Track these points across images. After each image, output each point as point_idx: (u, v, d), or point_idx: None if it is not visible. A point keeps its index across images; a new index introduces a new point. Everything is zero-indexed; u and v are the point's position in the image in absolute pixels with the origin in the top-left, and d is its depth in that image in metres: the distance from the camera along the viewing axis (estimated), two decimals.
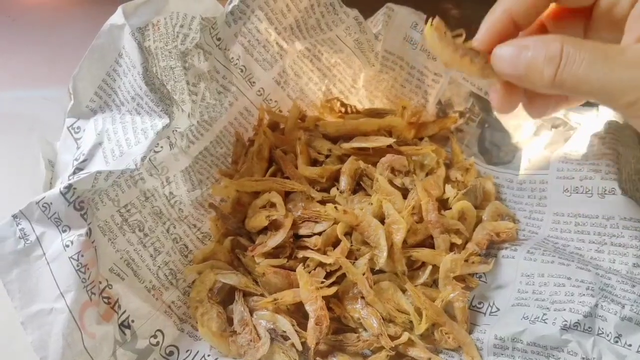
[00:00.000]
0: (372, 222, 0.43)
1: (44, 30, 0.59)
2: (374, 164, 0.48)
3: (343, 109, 0.52)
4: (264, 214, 0.43)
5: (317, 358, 0.39)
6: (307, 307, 0.40)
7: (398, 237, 0.43)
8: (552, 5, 0.36)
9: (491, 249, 0.47)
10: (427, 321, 0.41)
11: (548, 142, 0.51)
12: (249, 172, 0.48)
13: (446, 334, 0.41)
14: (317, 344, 0.39)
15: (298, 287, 0.41)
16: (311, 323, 0.39)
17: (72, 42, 0.53)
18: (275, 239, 0.42)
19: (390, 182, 0.47)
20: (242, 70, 0.48)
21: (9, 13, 0.60)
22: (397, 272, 0.43)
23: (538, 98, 0.37)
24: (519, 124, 0.53)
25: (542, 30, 0.38)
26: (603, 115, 0.49)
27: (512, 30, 0.34)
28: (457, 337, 0.41)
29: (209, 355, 0.39)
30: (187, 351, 0.39)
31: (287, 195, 0.46)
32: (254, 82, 0.49)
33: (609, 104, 0.31)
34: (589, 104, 0.50)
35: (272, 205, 0.44)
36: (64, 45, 0.57)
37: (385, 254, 0.42)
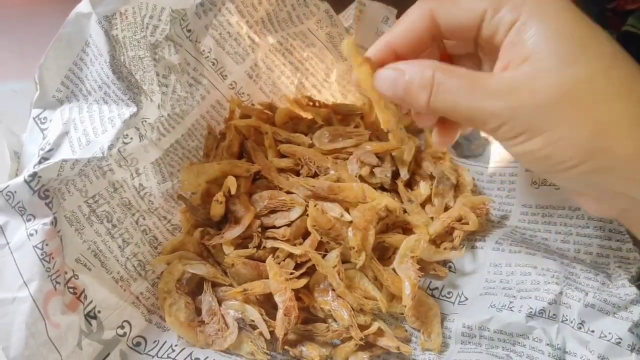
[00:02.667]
0: (343, 229, 0.43)
1: (12, 24, 0.59)
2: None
3: (311, 104, 0.52)
4: (216, 199, 0.43)
5: (286, 347, 0.39)
6: (276, 298, 0.40)
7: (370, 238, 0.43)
8: None
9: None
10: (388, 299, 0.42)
11: None
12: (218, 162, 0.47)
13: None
14: (285, 334, 0.39)
15: (267, 278, 0.41)
16: (280, 314, 0.39)
17: (41, 36, 0.52)
18: (232, 232, 0.42)
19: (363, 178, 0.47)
20: (213, 64, 0.48)
21: None
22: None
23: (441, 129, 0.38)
24: None
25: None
26: None
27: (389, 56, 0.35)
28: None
29: (176, 345, 0.39)
30: (154, 342, 0.39)
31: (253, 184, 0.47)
32: (225, 76, 0.49)
33: (479, 129, 0.33)
34: None
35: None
36: (32, 38, 0.56)
37: (363, 258, 0.42)
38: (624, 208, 0.32)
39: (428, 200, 0.50)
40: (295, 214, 0.43)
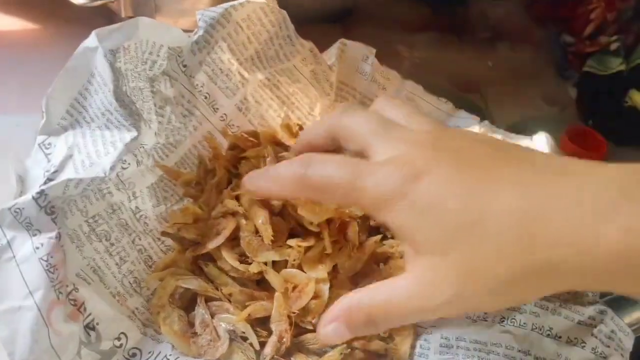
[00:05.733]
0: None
1: (15, 62, 0.62)
2: None
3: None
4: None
5: (275, 356, 0.41)
6: (273, 326, 0.42)
7: None
8: None
9: None
10: None
11: None
12: (206, 203, 0.50)
13: None
14: (272, 357, 0.41)
15: (263, 301, 0.44)
16: (273, 339, 0.42)
17: (42, 73, 0.56)
18: (213, 243, 0.45)
19: None
20: (206, 97, 0.52)
21: None
22: None
23: None
24: None
25: None
26: (536, 143, 0.54)
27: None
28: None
29: (170, 355, 0.40)
30: (149, 352, 0.41)
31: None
32: (217, 108, 0.53)
33: None
34: (522, 132, 0.56)
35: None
36: (34, 75, 0.59)
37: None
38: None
39: None
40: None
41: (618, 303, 0.45)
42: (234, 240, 0.46)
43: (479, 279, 0.29)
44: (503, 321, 0.42)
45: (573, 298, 0.43)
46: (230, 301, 0.44)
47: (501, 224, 0.28)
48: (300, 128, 0.56)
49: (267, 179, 0.37)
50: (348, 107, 0.38)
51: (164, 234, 0.47)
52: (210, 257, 0.46)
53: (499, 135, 0.57)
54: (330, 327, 0.34)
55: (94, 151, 0.41)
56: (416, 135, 0.33)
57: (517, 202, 0.28)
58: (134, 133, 0.41)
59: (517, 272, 0.28)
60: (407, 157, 0.31)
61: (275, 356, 0.41)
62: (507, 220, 0.28)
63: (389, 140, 0.33)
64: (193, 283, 0.43)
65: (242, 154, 0.53)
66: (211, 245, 0.46)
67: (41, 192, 0.37)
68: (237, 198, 0.48)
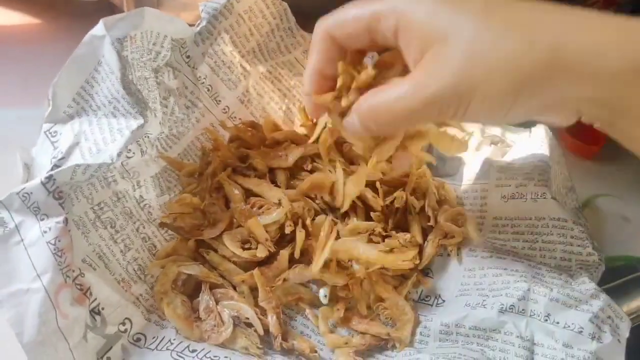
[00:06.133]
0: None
1: (18, 57, 0.63)
2: None
3: (315, 120, 0.56)
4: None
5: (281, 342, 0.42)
6: (264, 304, 0.44)
7: None
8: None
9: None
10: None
11: (488, 156, 0.56)
12: (202, 193, 0.50)
13: (384, 309, 0.46)
14: (280, 333, 0.42)
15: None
16: (273, 318, 0.43)
17: (43, 67, 0.57)
18: (210, 232, 0.46)
19: None
20: (208, 89, 0.53)
21: None
22: None
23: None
24: None
25: None
26: (535, 136, 0.55)
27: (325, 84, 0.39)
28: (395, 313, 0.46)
29: (174, 339, 0.41)
30: (153, 337, 0.41)
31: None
32: (219, 101, 0.54)
33: (430, 121, 0.37)
34: (522, 125, 0.57)
35: None
36: (36, 69, 0.60)
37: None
38: (603, 119, 0.33)
39: None
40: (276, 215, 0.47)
41: (615, 293, 0.46)
42: (235, 227, 0.47)
43: (485, 65, 0.30)
44: (501, 308, 0.43)
45: (570, 283, 0.44)
46: (235, 288, 0.44)
47: (525, 19, 0.30)
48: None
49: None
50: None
51: (162, 224, 0.47)
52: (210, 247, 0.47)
53: (497, 128, 0.57)
54: (349, 118, 0.37)
55: (100, 138, 0.41)
56: None
57: (539, 14, 0.30)
58: (141, 121, 0.42)
59: (535, 67, 0.29)
60: None
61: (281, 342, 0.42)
62: (530, 16, 0.30)
63: None
64: (195, 269, 0.44)
65: (243, 145, 0.54)
66: (208, 234, 0.46)
67: (49, 177, 0.37)
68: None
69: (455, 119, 0.33)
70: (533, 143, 0.54)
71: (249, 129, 0.55)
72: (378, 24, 0.34)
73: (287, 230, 0.47)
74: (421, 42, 0.32)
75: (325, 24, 0.37)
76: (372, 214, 0.50)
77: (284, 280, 0.45)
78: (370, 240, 0.48)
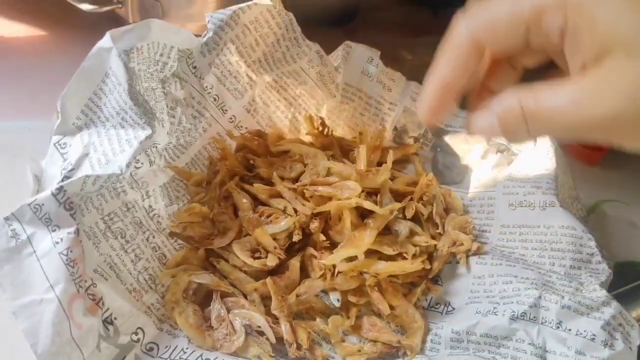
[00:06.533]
0: None
1: (26, 69, 0.63)
2: None
3: (321, 128, 0.57)
4: None
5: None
6: (276, 313, 0.44)
7: None
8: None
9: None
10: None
11: (494, 164, 0.56)
12: (211, 202, 0.51)
13: (394, 316, 0.46)
14: (295, 340, 0.42)
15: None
16: (287, 327, 0.43)
17: (51, 79, 0.58)
18: (220, 241, 0.47)
19: None
20: (215, 99, 0.53)
21: None
22: None
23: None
24: (468, 149, 0.59)
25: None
26: (540, 145, 0.55)
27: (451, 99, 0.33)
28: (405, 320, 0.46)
29: (187, 348, 0.41)
30: (166, 347, 0.41)
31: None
32: (226, 110, 0.54)
33: (587, 139, 0.29)
34: None
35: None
36: (44, 81, 0.61)
37: None
38: None
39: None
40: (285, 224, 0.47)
41: (623, 299, 0.46)
42: (244, 235, 0.48)
43: None
44: (513, 315, 0.43)
45: (581, 291, 0.44)
46: (246, 297, 0.44)
47: None
48: (323, 122, 0.57)
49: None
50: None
51: (172, 234, 0.47)
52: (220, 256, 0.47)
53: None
54: (484, 119, 0.31)
55: (109, 149, 0.42)
56: None
57: None
58: (149, 131, 0.42)
59: None
60: None
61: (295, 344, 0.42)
62: None
63: None
64: (205, 278, 0.44)
65: (249, 154, 0.54)
66: (217, 244, 0.47)
67: (60, 188, 0.38)
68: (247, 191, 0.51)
69: (624, 141, 0.29)
70: (539, 152, 0.54)
71: (256, 138, 0.55)
72: (540, 20, 0.28)
73: (295, 238, 0.48)
74: (600, 47, 0.27)
75: (469, 24, 0.30)
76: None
77: (297, 296, 0.45)
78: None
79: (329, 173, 0.51)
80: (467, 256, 0.50)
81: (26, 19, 0.69)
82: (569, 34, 0.28)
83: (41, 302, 0.35)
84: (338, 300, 0.46)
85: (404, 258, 0.48)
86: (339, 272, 0.46)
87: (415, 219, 0.52)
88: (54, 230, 0.38)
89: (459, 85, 0.32)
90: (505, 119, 0.30)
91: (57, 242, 0.37)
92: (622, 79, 0.26)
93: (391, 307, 0.46)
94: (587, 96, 0.27)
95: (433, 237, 0.51)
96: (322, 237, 0.48)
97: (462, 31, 0.31)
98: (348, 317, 0.46)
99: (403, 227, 0.49)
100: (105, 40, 0.42)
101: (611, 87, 0.27)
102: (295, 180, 0.53)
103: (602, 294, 0.43)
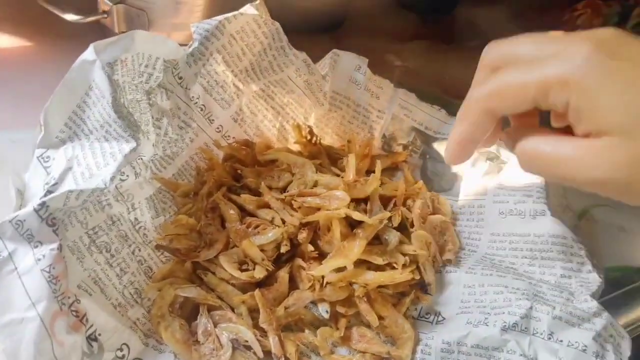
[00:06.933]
0: None
1: (9, 79, 0.63)
2: None
3: (309, 137, 0.57)
4: None
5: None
6: (265, 326, 0.43)
7: None
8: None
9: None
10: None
11: (484, 172, 0.56)
12: (198, 213, 0.50)
13: (383, 327, 0.45)
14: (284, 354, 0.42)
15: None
16: (275, 339, 0.42)
17: (36, 89, 0.57)
18: (207, 253, 0.46)
19: None
20: (202, 109, 0.52)
21: None
22: None
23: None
24: None
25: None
26: None
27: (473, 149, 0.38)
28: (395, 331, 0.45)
29: None
30: None
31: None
32: (213, 120, 0.54)
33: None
34: None
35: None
36: (28, 91, 0.60)
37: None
38: None
39: None
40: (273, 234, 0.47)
41: (613, 304, 0.46)
42: (231, 247, 0.47)
43: None
44: (504, 326, 0.42)
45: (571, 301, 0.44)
46: (233, 310, 0.44)
47: None
48: (311, 131, 0.57)
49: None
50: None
51: (158, 246, 0.47)
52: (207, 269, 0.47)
53: (492, 145, 0.57)
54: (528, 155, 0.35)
55: (93, 163, 0.41)
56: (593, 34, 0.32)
57: None
58: (133, 144, 0.42)
59: None
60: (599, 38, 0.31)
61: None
62: None
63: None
64: (192, 292, 0.44)
65: (237, 163, 0.54)
66: (204, 256, 0.46)
67: (42, 204, 0.37)
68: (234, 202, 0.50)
69: (616, 198, 0.33)
70: None
71: (243, 147, 0.55)
72: (546, 96, 0.32)
73: (283, 249, 0.47)
74: (599, 127, 0.31)
75: (483, 97, 0.35)
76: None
77: (286, 308, 0.44)
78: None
79: (316, 184, 0.51)
80: (450, 263, 0.51)
81: (10, 29, 0.68)
82: (571, 110, 0.31)
83: (22, 321, 0.35)
84: (327, 311, 0.46)
85: (393, 268, 0.48)
86: (327, 283, 0.46)
87: (401, 225, 0.52)
88: (36, 247, 0.37)
89: (477, 138, 0.37)
90: (522, 155, 0.35)
91: (39, 259, 0.36)
92: (615, 155, 0.30)
93: (380, 318, 0.46)
94: (587, 158, 0.31)
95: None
96: (311, 248, 0.48)
97: (475, 102, 0.35)
98: (337, 329, 0.45)
99: (393, 237, 0.49)
100: (89, 53, 0.42)
101: (605, 158, 0.30)
102: (283, 190, 0.53)
103: (593, 304, 0.43)
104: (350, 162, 0.52)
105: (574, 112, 0.31)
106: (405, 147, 0.60)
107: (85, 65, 0.41)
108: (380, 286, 0.47)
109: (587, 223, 0.60)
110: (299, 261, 0.48)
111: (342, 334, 0.45)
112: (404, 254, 0.48)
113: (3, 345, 0.34)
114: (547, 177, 0.36)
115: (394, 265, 0.48)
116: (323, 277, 0.46)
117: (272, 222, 0.49)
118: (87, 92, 0.42)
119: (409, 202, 0.54)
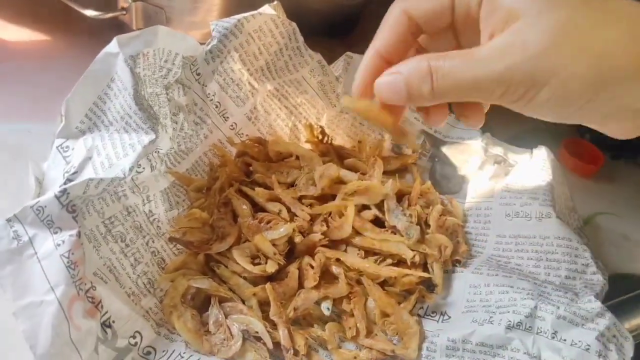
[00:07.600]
0: None
1: (28, 73, 0.64)
2: None
3: (321, 137, 0.58)
4: None
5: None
6: (275, 319, 0.44)
7: None
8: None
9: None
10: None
11: (491, 175, 0.57)
12: (210, 207, 0.51)
13: (389, 324, 0.46)
14: (293, 346, 0.43)
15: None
16: (284, 332, 0.43)
17: (53, 83, 0.59)
18: (219, 246, 0.47)
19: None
20: (217, 106, 0.53)
21: None
22: None
23: (431, 110, 0.39)
24: (465, 159, 0.59)
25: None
26: (537, 157, 0.56)
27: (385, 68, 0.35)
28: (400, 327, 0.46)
29: (184, 353, 0.41)
30: (163, 351, 0.42)
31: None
32: (227, 117, 0.54)
33: (488, 100, 0.32)
34: (523, 146, 0.58)
35: None
36: (46, 85, 0.61)
37: None
38: None
39: None
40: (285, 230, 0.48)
41: (616, 310, 0.46)
42: (243, 241, 0.48)
43: (575, 48, 0.28)
44: (509, 324, 0.43)
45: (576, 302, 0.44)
46: (244, 302, 0.45)
47: (628, 12, 0.29)
48: (322, 131, 0.58)
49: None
50: None
51: (171, 239, 0.48)
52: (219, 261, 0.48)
53: (499, 148, 0.58)
54: (388, 79, 0.33)
55: (113, 153, 0.42)
56: None
57: None
58: (152, 136, 0.43)
59: (633, 63, 0.27)
60: None
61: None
62: (633, 10, 0.28)
63: None
64: (204, 283, 0.45)
65: (250, 160, 0.55)
66: (216, 249, 0.47)
67: (63, 191, 0.38)
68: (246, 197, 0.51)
69: (517, 106, 0.31)
70: (535, 163, 0.55)
71: (256, 145, 0.56)
72: None
73: (297, 240, 0.48)
74: (507, 14, 0.30)
75: (402, 2, 0.34)
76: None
77: (294, 309, 0.45)
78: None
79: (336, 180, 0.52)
80: (457, 263, 0.52)
81: (30, 24, 0.69)
82: (485, 3, 0.31)
83: (41, 304, 0.36)
84: (328, 309, 0.46)
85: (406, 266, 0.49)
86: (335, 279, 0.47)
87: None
88: (56, 233, 0.38)
89: (391, 53, 0.35)
90: (410, 75, 0.32)
91: (59, 245, 0.37)
92: (528, 38, 0.29)
93: (386, 315, 0.47)
94: (486, 55, 0.30)
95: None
96: (321, 236, 0.49)
97: (394, 8, 0.35)
98: (349, 327, 0.46)
99: (414, 232, 0.50)
100: (112, 46, 0.43)
101: (516, 46, 0.29)
102: (291, 185, 0.54)
103: (597, 305, 0.43)
104: (377, 170, 0.54)
105: (487, 2, 0.31)
106: (414, 150, 0.61)
107: (108, 58, 0.43)
108: (386, 285, 0.48)
109: (591, 230, 0.60)
110: (308, 259, 0.49)
111: (354, 333, 0.46)
112: (414, 250, 0.49)
113: (23, 327, 0.35)
114: (451, 90, 0.32)
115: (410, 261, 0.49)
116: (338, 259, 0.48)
117: (279, 214, 0.50)
118: (109, 83, 0.43)
119: (421, 201, 0.55)
